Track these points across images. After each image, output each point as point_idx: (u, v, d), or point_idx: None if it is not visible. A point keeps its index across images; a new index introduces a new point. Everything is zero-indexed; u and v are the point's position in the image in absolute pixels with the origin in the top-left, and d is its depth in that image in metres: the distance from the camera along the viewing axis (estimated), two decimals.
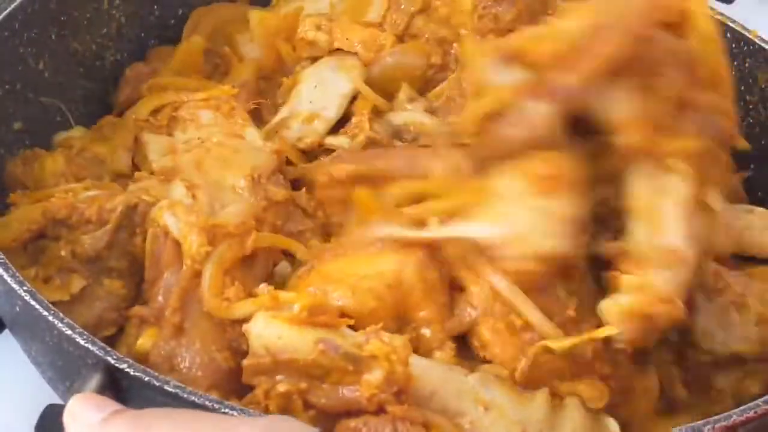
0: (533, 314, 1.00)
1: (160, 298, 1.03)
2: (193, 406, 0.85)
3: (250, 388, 0.96)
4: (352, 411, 0.92)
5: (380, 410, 0.91)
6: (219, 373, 0.97)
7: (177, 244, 1.05)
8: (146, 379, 0.87)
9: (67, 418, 0.80)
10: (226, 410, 0.85)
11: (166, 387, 0.86)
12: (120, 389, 0.88)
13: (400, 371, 0.91)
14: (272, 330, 0.94)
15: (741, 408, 0.94)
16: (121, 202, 1.09)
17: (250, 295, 1.02)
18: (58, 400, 1.10)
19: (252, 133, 1.24)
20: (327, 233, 1.18)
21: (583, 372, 1.02)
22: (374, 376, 0.91)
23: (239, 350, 1.00)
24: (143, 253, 1.07)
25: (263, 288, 1.01)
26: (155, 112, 1.27)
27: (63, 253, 1.07)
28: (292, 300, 0.96)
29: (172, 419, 0.78)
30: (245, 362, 0.96)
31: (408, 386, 0.92)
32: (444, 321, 1.01)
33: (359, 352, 0.92)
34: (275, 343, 0.93)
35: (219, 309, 1.01)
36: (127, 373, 0.87)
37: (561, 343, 0.98)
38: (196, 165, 1.17)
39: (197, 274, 1.02)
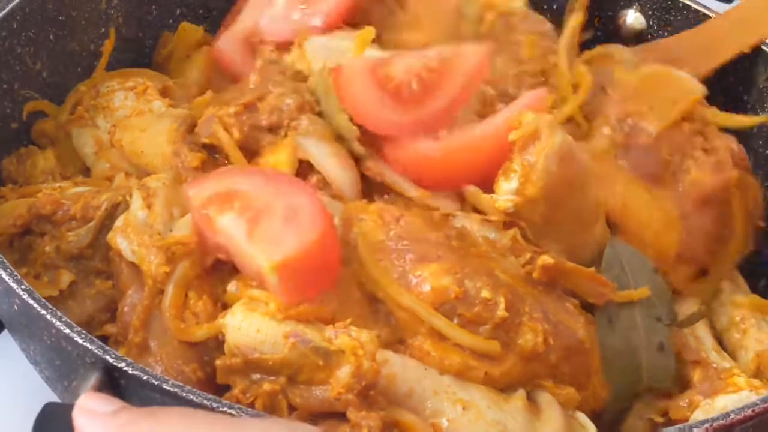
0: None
1: (125, 317, 1.04)
2: (192, 404, 0.85)
3: (225, 389, 0.97)
4: (329, 412, 0.93)
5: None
6: (189, 385, 0.97)
7: (134, 265, 1.04)
8: (145, 377, 0.87)
9: (77, 413, 0.80)
10: (224, 408, 0.85)
11: (164, 386, 0.86)
12: (118, 388, 0.88)
13: (367, 366, 0.91)
14: (251, 322, 0.95)
15: (739, 407, 0.94)
16: (107, 199, 1.09)
17: (222, 302, 1.02)
18: (56, 399, 1.09)
19: (158, 104, 1.25)
20: None
21: (548, 373, 1.02)
22: (343, 372, 0.91)
23: (210, 363, 1.00)
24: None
25: (232, 286, 1.01)
26: (75, 106, 1.29)
27: (48, 249, 1.08)
28: (267, 298, 0.96)
29: (182, 415, 0.78)
30: (218, 362, 0.96)
31: (376, 381, 0.92)
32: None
33: (328, 346, 0.92)
34: (254, 337, 0.94)
35: (180, 332, 1.01)
36: (126, 371, 0.87)
37: None
38: (123, 153, 1.19)
39: (160, 293, 1.02)
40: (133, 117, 1.24)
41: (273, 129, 1.15)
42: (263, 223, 0.97)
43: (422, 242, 1.02)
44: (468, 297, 0.99)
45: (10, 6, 1.21)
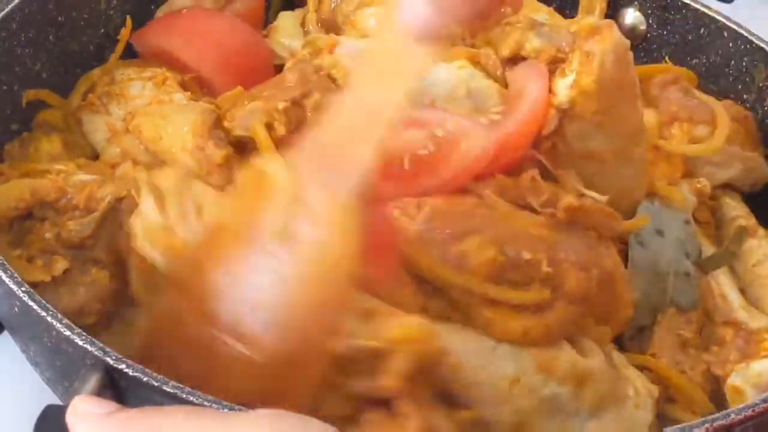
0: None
1: None
2: (192, 405, 0.85)
3: None
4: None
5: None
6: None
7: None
8: (145, 379, 0.87)
9: (70, 416, 0.81)
10: (225, 410, 0.85)
11: (164, 387, 0.86)
12: (119, 389, 0.88)
13: (423, 352, 0.92)
14: None
15: (739, 407, 0.94)
16: (110, 192, 1.08)
17: None
18: (57, 401, 1.10)
19: (179, 96, 1.24)
20: None
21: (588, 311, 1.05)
22: (398, 363, 0.91)
23: None
24: (128, 249, 1.06)
25: None
26: (87, 92, 1.28)
27: (48, 235, 1.07)
28: None
29: (179, 415, 0.78)
30: None
31: (431, 364, 0.93)
32: None
33: (377, 344, 0.92)
34: None
35: None
36: (126, 373, 0.87)
37: None
38: (140, 139, 1.17)
39: None
40: (154, 105, 1.23)
41: None
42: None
43: (452, 220, 1.04)
44: (512, 262, 1.02)
45: (10, 7, 1.21)
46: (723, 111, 1.30)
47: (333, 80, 1.21)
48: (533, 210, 1.08)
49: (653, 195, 1.22)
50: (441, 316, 1.01)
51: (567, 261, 1.03)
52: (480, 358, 0.99)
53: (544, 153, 1.14)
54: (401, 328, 0.93)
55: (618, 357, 1.08)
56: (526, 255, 1.02)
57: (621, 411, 1.04)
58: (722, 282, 1.20)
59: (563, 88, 1.11)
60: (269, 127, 1.14)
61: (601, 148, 1.13)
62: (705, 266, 1.19)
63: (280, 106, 1.15)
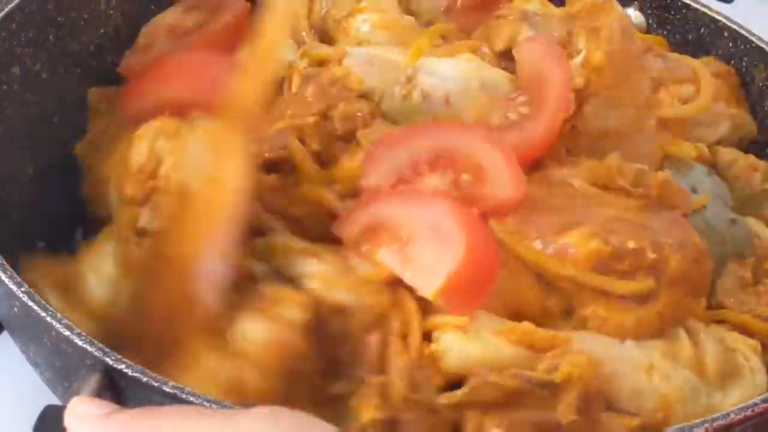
0: None
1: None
2: (191, 405, 0.85)
3: None
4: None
5: None
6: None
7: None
8: (144, 379, 0.87)
9: (68, 417, 0.81)
10: (224, 409, 0.85)
11: (164, 387, 0.86)
12: (118, 389, 0.88)
13: (593, 388, 0.93)
14: (466, 347, 0.96)
15: (739, 407, 0.94)
16: None
17: None
18: (56, 401, 1.10)
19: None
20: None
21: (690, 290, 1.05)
22: (570, 397, 0.93)
23: None
24: None
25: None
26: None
27: None
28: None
29: (178, 415, 0.78)
30: (444, 401, 0.94)
31: (598, 394, 0.95)
32: None
33: (553, 378, 0.93)
34: (475, 363, 0.95)
35: None
36: (125, 373, 0.87)
37: None
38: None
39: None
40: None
41: (346, 137, 1.15)
42: (413, 250, 0.99)
43: (552, 212, 1.04)
44: (617, 252, 1.01)
45: (9, 7, 1.21)
46: (702, 67, 1.31)
47: (351, 90, 1.20)
48: (621, 192, 1.08)
49: (667, 158, 1.22)
50: (561, 316, 1.01)
51: (667, 244, 1.03)
52: (613, 355, 0.99)
53: (565, 136, 1.14)
54: (572, 365, 0.93)
55: (713, 328, 1.08)
56: (631, 244, 1.01)
57: (743, 380, 1.04)
58: (750, 223, 1.22)
59: (575, 68, 1.12)
60: (302, 142, 1.12)
61: (617, 123, 1.14)
62: (747, 207, 1.22)
63: (311, 120, 1.13)
